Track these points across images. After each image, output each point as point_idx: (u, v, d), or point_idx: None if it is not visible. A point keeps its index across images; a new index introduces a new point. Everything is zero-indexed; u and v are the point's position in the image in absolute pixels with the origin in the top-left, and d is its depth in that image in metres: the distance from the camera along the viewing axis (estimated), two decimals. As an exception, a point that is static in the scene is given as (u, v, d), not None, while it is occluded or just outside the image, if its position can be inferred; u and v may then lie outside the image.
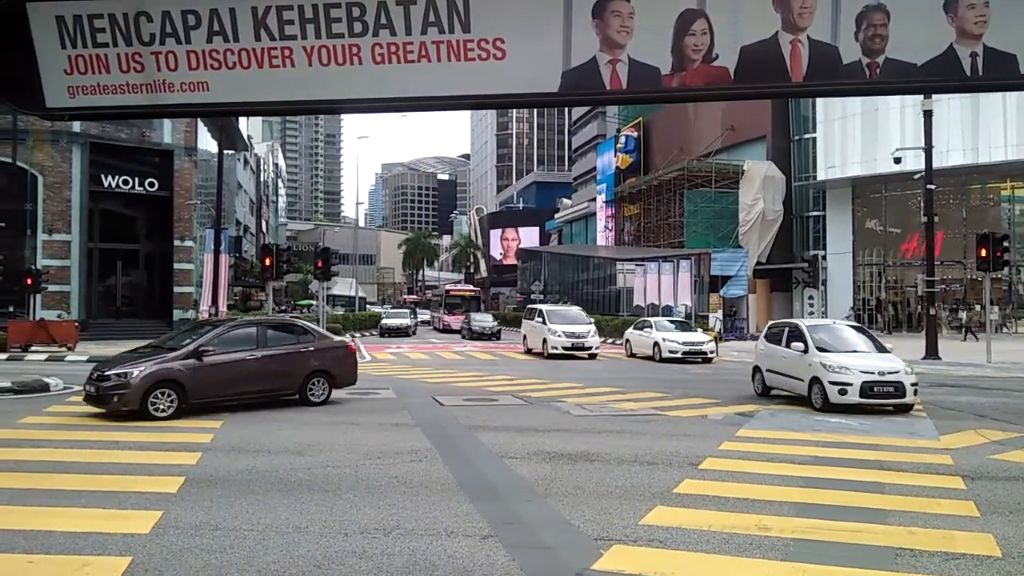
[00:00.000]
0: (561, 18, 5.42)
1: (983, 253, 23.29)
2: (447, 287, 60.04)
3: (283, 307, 46.20)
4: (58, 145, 33.82)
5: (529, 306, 33.73)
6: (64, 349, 25.55)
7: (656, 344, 25.72)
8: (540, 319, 27.62)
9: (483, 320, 41.22)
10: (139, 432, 10.43)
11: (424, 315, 63.98)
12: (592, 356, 26.24)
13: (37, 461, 8.62)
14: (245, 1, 5.58)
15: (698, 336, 26.54)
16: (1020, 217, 39.18)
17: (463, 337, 40.23)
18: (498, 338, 38.96)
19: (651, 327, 27.03)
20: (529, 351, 28.50)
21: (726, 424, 11.88)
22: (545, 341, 26.39)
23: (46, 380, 15.57)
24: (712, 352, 25.91)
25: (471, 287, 58.84)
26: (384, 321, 45.12)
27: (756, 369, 15.97)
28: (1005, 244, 23.76)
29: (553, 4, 5.32)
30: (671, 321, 28.58)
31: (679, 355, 24.96)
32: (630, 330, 28.96)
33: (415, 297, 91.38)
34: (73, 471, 8.11)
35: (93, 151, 34.39)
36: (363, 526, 6.24)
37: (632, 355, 27.64)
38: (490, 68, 5.52)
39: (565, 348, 25.80)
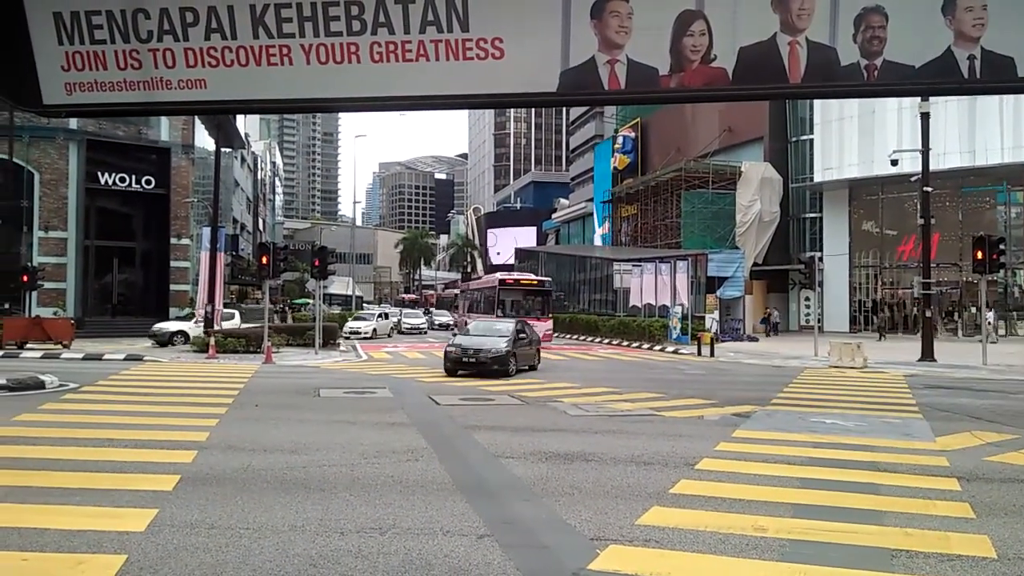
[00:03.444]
0: (560, 18, 5.40)
1: (979, 256, 23.34)
2: (500, 275, 39.29)
3: (279, 306, 46.02)
4: (55, 142, 33.74)
5: None
6: (59, 347, 25.51)
7: None
8: None
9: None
10: (135, 430, 10.40)
11: (443, 316, 54.93)
12: None
13: (32, 459, 8.60)
14: (244, -1, 5.52)
15: None
16: (1016, 220, 39.27)
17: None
18: None
19: None
20: None
21: (722, 425, 11.90)
22: None
23: (41, 377, 15.54)
24: None
25: (533, 276, 39.66)
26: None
27: None
28: (1001, 247, 23.82)
29: (552, 4, 5.31)
30: None
31: None
32: None
33: (413, 296, 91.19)
34: (68, 469, 8.09)
35: (90, 148, 34.37)
36: (359, 525, 6.23)
37: None
38: (488, 67, 5.51)
39: None
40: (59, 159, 33.97)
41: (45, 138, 33.46)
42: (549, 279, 39.50)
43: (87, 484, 7.42)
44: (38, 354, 23.69)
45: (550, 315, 35.24)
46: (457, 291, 66.64)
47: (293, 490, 7.36)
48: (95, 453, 8.96)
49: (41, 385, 15.14)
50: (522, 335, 21.32)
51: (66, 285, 33.62)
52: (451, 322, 50.75)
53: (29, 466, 8.20)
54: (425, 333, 46.77)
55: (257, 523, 6.25)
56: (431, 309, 60.69)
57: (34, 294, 29.48)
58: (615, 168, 62.37)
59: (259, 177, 73.25)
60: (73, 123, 32.97)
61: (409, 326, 47.67)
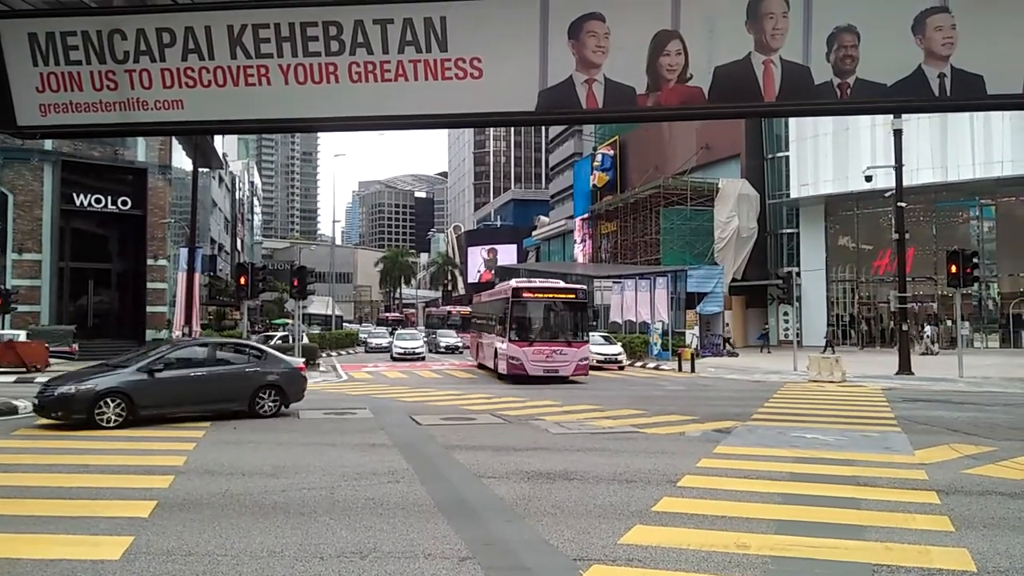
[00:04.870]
0: (537, 38, 5.45)
1: (953, 270, 23.69)
2: (515, 283, 25.38)
3: (257, 327, 45.51)
4: (29, 163, 33.37)
5: None
6: (34, 370, 25.07)
7: None
8: None
9: None
10: (110, 455, 10.22)
11: (448, 337, 45.13)
12: None
13: (4, 486, 8.41)
14: (221, 19, 5.57)
15: None
16: (988, 234, 39.93)
17: None
18: None
19: None
20: None
21: (704, 441, 11.91)
22: None
23: (14, 402, 15.23)
24: None
25: (563, 283, 26.62)
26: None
27: None
28: (975, 260, 24.19)
29: (529, 24, 5.35)
30: None
31: None
32: None
33: (396, 315, 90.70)
34: (42, 496, 7.93)
35: (65, 169, 34.03)
36: (339, 549, 6.15)
37: None
38: (467, 87, 5.54)
39: None
40: (34, 181, 33.57)
41: (19, 160, 33.07)
42: (584, 287, 27.82)
43: (61, 511, 7.27)
44: (11, 378, 23.26)
45: (587, 338, 24.57)
46: (449, 308, 64.66)
47: (272, 514, 7.26)
48: (69, 479, 8.78)
49: (14, 410, 14.84)
50: (207, 365, 14.34)
51: (40, 308, 33.10)
52: (460, 344, 42.08)
53: (1, 494, 8.02)
54: (423, 359, 36.30)
55: (235, 549, 6.15)
56: (434, 331, 51.00)
57: (7, 317, 29.01)
58: (594, 185, 62.76)
59: (237, 197, 72.88)
60: (48, 144, 32.59)
61: (402, 351, 36.44)
